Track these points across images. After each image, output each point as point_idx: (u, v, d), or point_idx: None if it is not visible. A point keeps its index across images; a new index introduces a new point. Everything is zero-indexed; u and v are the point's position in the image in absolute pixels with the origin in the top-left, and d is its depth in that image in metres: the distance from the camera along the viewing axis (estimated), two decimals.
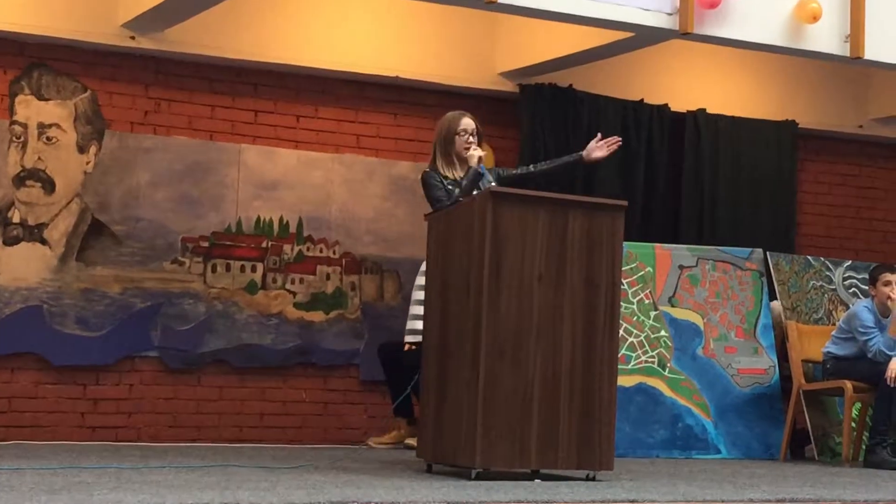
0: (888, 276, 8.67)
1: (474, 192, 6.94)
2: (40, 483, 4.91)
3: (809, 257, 9.94)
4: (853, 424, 8.82)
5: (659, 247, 9.47)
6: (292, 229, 9.37)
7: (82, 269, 8.77)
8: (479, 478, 5.66)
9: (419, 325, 7.30)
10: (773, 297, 9.54)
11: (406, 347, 7.98)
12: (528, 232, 5.83)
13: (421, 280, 7.48)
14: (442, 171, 7.18)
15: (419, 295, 7.45)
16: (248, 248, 9.25)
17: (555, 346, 5.84)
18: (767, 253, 9.66)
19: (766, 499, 5.28)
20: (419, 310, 7.38)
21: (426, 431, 6.30)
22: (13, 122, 8.67)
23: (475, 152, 7.09)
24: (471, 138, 7.19)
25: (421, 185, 7.25)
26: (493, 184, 7.02)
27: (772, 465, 8.16)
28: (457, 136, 7.20)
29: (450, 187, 7.07)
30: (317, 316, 9.37)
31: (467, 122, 7.25)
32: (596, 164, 7.39)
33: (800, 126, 10.93)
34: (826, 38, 8.89)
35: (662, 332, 9.19)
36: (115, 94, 8.97)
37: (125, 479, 5.28)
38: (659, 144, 10.42)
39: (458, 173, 7.12)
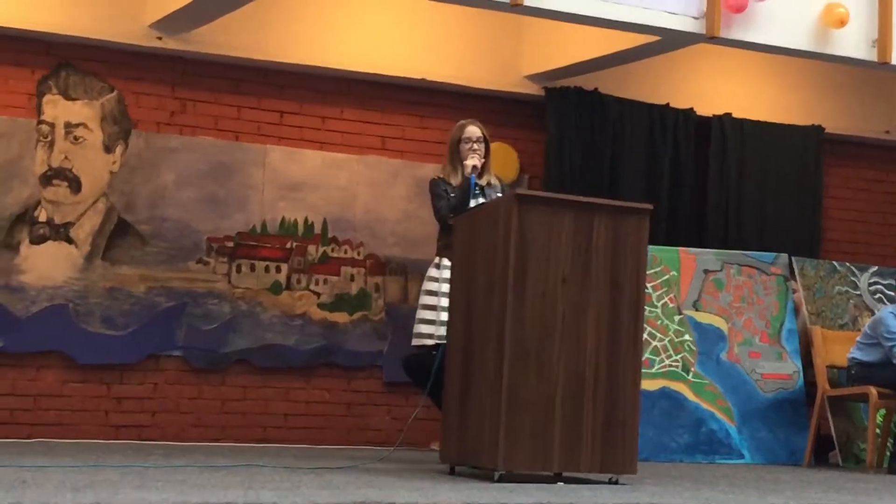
0: None
1: (471, 203, 7.06)
2: (65, 481, 4.93)
3: (835, 262, 9.90)
4: (878, 431, 8.78)
5: (684, 251, 9.45)
6: (317, 230, 9.39)
7: (108, 269, 8.80)
8: (501, 480, 5.65)
9: (423, 328, 7.37)
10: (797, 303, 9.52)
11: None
12: (553, 235, 5.83)
13: (427, 284, 7.51)
14: (448, 178, 7.33)
15: (424, 299, 7.49)
16: (273, 248, 9.27)
17: (579, 348, 5.83)
18: (793, 258, 9.63)
19: None
20: (423, 313, 7.43)
21: (449, 434, 6.30)
22: (40, 122, 8.71)
23: (469, 161, 7.24)
24: (475, 146, 7.32)
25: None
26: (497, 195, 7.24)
27: (795, 471, 8.13)
28: (461, 144, 7.37)
29: (452, 195, 7.21)
30: (341, 317, 9.39)
31: (471, 131, 7.39)
32: (475, 171, 7.38)
33: (826, 131, 10.89)
34: (853, 42, 8.87)
35: (686, 337, 9.17)
36: (142, 94, 9.01)
37: (149, 477, 5.29)
38: (685, 148, 10.40)
39: (460, 180, 7.27)
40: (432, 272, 7.47)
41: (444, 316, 7.16)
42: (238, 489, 4.79)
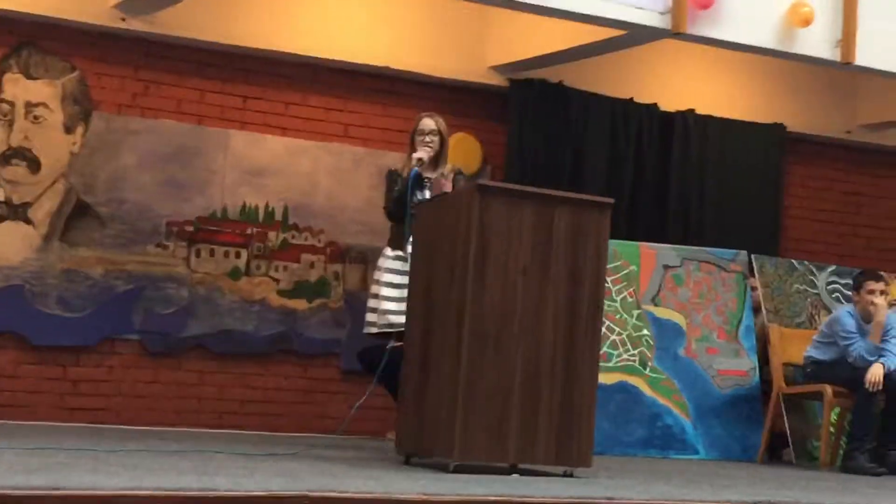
0: (872, 285, 8.65)
1: (418, 195, 7.11)
2: (17, 463, 4.90)
3: (794, 261, 9.95)
4: (832, 429, 8.84)
5: (644, 246, 9.47)
6: (278, 216, 9.36)
7: (65, 250, 8.74)
8: (456, 471, 5.65)
9: (368, 316, 7.43)
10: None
11: (391, 345, 7.88)
12: (513, 225, 5.83)
13: (375, 274, 7.55)
14: (401, 170, 7.46)
15: (371, 288, 7.53)
16: (233, 233, 9.23)
17: (537, 339, 5.83)
18: (752, 255, 9.67)
19: (743, 500, 5.29)
20: (369, 302, 7.47)
21: (405, 423, 6.29)
22: (0, 101, 8.64)
23: (416, 154, 7.36)
24: (426, 138, 7.39)
25: None
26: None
27: (749, 468, 8.17)
28: (416, 136, 7.40)
29: (397, 187, 7.32)
30: (300, 304, 9.36)
31: (425, 123, 7.52)
32: (420, 164, 7.46)
33: (788, 129, 10.95)
34: (817, 42, 8.90)
35: (645, 331, 9.20)
36: (104, 75, 8.95)
37: (103, 461, 5.26)
38: (648, 143, 10.43)
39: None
40: (379, 262, 7.57)
41: (385, 305, 7.31)
42: (192, 475, 4.77)
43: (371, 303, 7.48)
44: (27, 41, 8.72)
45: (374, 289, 7.49)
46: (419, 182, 7.30)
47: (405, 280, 7.20)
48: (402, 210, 7.29)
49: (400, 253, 7.35)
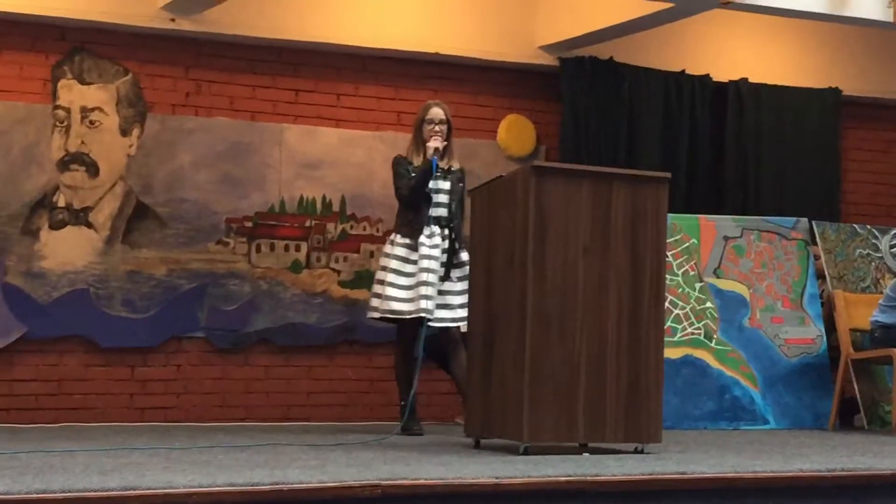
0: None
1: (431, 185, 7.18)
2: (92, 464, 4.95)
3: (855, 225, 9.86)
4: None
5: (703, 218, 9.42)
6: (335, 208, 9.39)
7: (128, 252, 8.82)
8: (526, 452, 5.66)
9: (372, 301, 7.55)
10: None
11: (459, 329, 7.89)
12: (571, 205, 5.82)
13: (382, 260, 7.61)
14: (410, 157, 7.58)
15: (378, 274, 7.59)
16: (292, 227, 9.27)
17: (601, 318, 5.82)
18: (813, 222, 9.60)
19: (817, 469, 5.26)
20: (375, 287, 7.56)
21: (473, 408, 6.31)
22: (56, 107, 8.72)
23: (431, 143, 7.38)
24: (436, 128, 7.45)
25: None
26: (460, 183, 7.57)
27: (821, 435, 8.12)
28: (424, 125, 7.49)
29: (413, 175, 7.42)
30: (361, 294, 9.37)
31: (435, 112, 7.60)
32: (437, 154, 7.45)
33: (843, 93, 10.83)
34: (869, 3, 8.81)
35: (708, 304, 9.15)
36: (157, 76, 9.00)
37: (175, 459, 5.31)
38: (701, 115, 10.36)
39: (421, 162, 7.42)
40: (386, 248, 7.70)
41: (389, 291, 7.44)
42: (264, 469, 4.80)
43: (376, 288, 7.60)
44: (79, 46, 8.79)
45: (379, 274, 7.60)
46: (431, 172, 7.38)
47: (414, 269, 7.29)
48: (419, 198, 7.37)
49: (409, 241, 7.41)
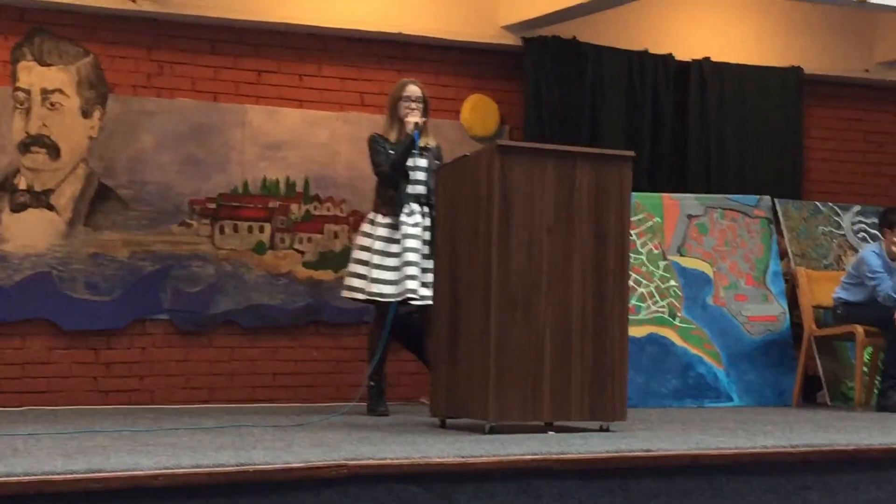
0: None
1: (408, 160, 7.17)
2: (56, 448, 4.93)
3: (818, 203, 9.92)
4: (865, 369, 8.82)
5: (667, 196, 9.45)
6: (299, 189, 9.36)
7: (90, 234, 8.77)
8: (492, 431, 5.67)
9: (354, 282, 7.49)
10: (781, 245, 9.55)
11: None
12: (535, 184, 5.82)
13: (360, 240, 7.57)
14: (386, 135, 7.52)
15: (356, 254, 7.55)
16: (256, 208, 9.24)
17: (565, 297, 5.83)
18: (776, 200, 9.64)
19: (781, 445, 5.29)
20: (354, 267, 7.54)
21: (438, 387, 6.31)
22: (16, 89, 8.65)
23: (411, 118, 7.35)
24: (413, 105, 7.43)
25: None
26: (437, 161, 7.48)
27: (784, 412, 8.17)
28: (401, 102, 7.52)
29: (391, 151, 7.36)
30: (326, 275, 9.37)
31: (412, 90, 7.58)
32: (418, 128, 7.43)
33: (805, 72, 10.87)
34: None
35: (672, 282, 9.19)
36: (118, 57, 8.95)
37: (140, 441, 5.30)
38: (664, 94, 10.39)
39: (400, 138, 7.35)
40: (366, 227, 7.58)
41: (375, 273, 7.38)
42: (229, 450, 4.80)
43: (357, 268, 7.51)
44: (39, 27, 8.72)
45: (360, 254, 7.51)
46: (412, 147, 7.35)
47: (398, 249, 7.27)
48: (400, 174, 7.35)
49: (391, 220, 7.37)
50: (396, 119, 7.52)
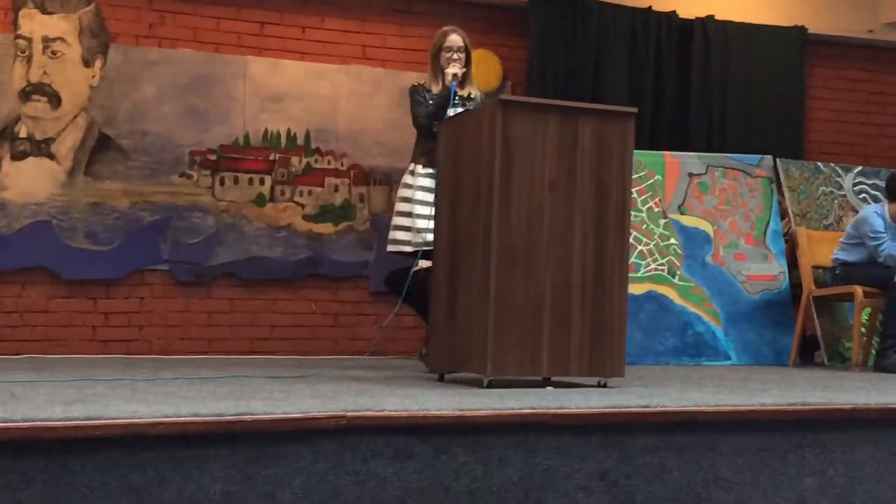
0: None
1: (450, 112, 7.04)
2: (55, 395, 4.94)
3: (819, 163, 9.91)
4: (863, 329, 8.83)
5: (668, 154, 9.44)
6: (300, 141, 9.35)
7: (90, 184, 8.77)
8: (490, 386, 5.68)
9: (399, 234, 7.34)
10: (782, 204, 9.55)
11: (416, 268, 7.79)
12: (537, 139, 5.79)
13: (402, 191, 7.48)
14: (428, 85, 7.31)
15: (399, 206, 7.44)
16: (256, 160, 9.23)
17: (566, 253, 5.82)
18: (777, 160, 9.63)
19: (778, 403, 5.30)
20: (398, 220, 7.40)
21: (437, 341, 6.31)
22: (17, 37, 8.63)
23: (450, 70, 7.19)
24: (455, 55, 7.26)
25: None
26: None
27: (782, 371, 8.18)
28: (442, 52, 7.31)
29: (431, 102, 7.19)
30: (325, 228, 9.38)
31: (453, 39, 7.35)
32: (456, 80, 7.31)
33: (809, 32, 10.84)
34: None
35: (672, 240, 9.19)
36: (119, 6, 8.92)
37: (139, 390, 5.30)
38: (667, 52, 10.36)
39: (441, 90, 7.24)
40: (407, 179, 7.44)
41: (420, 223, 7.23)
42: (229, 400, 4.80)
43: (401, 220, 7.38)
44: None
45: (404, 206, 7.38)
46: (450, 99, 7.23)
47: None
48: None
49: (431, 170, 7.27)
50: (438, 69, 7.34)
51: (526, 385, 5.78)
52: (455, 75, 7.20)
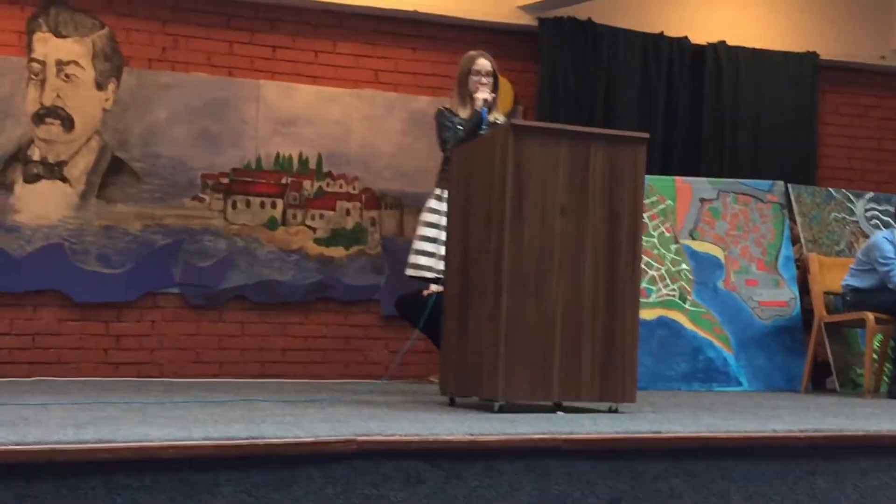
0: None
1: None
2: (67, 418, 4.94)
3: (831, 189, 9.90)
4: (875, 356, 8.81)
5: (680, 180, 9.44)
6: (312, 165, 9.37)
7: (103, 207, 8.79)
8: (501, 410, 5.67)
9: (422, 260, 7.30)
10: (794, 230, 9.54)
11: (426, 292, 7.76)
12: (549, 164, 5.80)
13: (427, 216, 7.45)
14: (455, 110, 7.24)
15: (424, 231, 7.41)
16: (268, 184, 9.25)
17: (577, 278, 5.82)
18: (789, 185, 9.62)
19: (790, 430, 5.29)
20: (422, 245, 7.36)
21: (448, 365, 6.30)
22: (31, 60, 8.66)
23: (480, 95, 7.13)
24: (483, 79, 7.21)
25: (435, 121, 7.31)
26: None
27: (793, 397, 8.16)
28: (470, 76, 7.25)
29: (459, 127, 7.14)
30: (337, 251, 9.39)
31: (482, 63, 7.28)
32: (486, 105, 7.23)
33: (821, 57, 10.85)
34: None
35: (683, 266, 9.18)
36: (133, 30, 8.95)
37: (151, 413, 5.30)
38: (679, 77, 10.37)
39: (469, 113, 7.16)
40: (432, 203, 7.40)
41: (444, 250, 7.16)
42: (239, 423, 4.80)
43: (424, 245, 7.32)
44: None
45: (429, 231, 7.33)
46: (480, 125, 7.16)
47: None
48: None
49: None
50: (466, 93, 7.28)
51: (537, 410, 5.78)
52: (486, 100, 7.15)
